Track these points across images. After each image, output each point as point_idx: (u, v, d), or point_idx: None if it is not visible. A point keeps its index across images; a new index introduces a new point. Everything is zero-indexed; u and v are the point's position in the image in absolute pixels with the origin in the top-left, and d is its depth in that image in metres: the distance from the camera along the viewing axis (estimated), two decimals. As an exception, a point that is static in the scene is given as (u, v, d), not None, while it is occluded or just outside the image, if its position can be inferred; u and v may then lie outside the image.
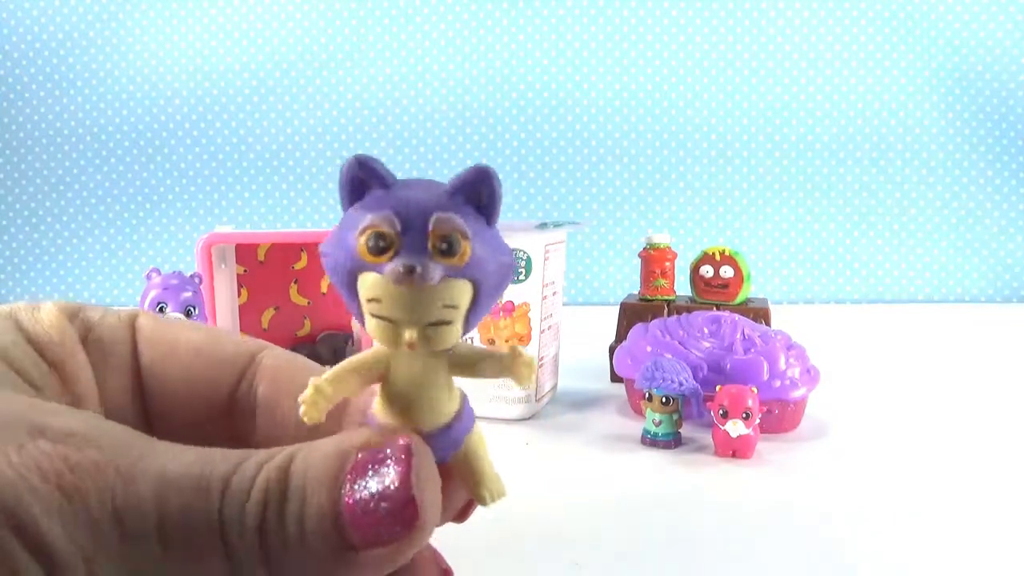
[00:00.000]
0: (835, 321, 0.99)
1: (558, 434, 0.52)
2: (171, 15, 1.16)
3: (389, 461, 0.16)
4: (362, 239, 0.15)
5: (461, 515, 0.19)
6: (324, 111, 1.17)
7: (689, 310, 0.61)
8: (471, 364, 0.17)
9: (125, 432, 0.16)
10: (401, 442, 0.16)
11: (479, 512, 0.20)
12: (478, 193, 0.16)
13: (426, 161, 1.17)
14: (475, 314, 0.17)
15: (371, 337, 0.17)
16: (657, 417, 0.49)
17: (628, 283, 1.14)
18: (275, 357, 0.21)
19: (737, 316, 0.56)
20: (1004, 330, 0.93)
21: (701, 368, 0.52)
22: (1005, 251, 1.13)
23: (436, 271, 0.15)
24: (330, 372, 0.17)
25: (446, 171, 1.16)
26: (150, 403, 0.20)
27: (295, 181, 1.18)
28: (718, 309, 0.61)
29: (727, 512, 0.40)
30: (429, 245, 0.15)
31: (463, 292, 0.16)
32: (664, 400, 0.48)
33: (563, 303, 0.60)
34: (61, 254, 1.20)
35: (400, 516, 0.15)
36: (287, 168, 1.18)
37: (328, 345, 0.69)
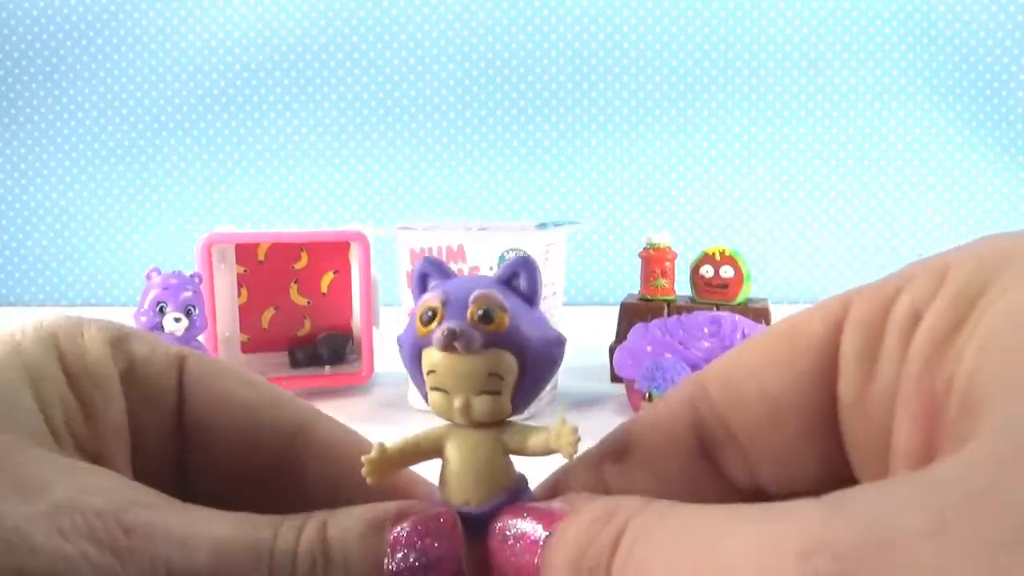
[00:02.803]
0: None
1: (558, 434, 0.52)
2: (171, 15, 1.16)
3: (437, 532, 0.16)
4: (418, 315, 0.18)
5: None
6: (324, 111, 1.17)
7: (689, 310, 0.61)
8: (523, 440, 0.18)
9: (158, 496, 0.16)
10: (447, 514, 0.16)
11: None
12: (519, 278, 0.18)
13: (426, 161, 1.17)
14: (524, 390, 0.18)
15: (433, 411, 0.18)
16: (657, 417, 0.48)
17: (628, 283, 1.14)
18: (328, 430, 0.20)
19: (737, 316, 0.56)
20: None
21: (701, 368, 0.52)
22: (1005, 251, 1.13)
23: (475, 335, 0.16)
24: (396, 441, 0.18)
25: (446, 171, 1.16)
26: (191, 453, 0.20)
27: (295, 181, 1.18)
28: (718, 309, 0.61)
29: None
30: (468, 314, 0.17)
31: (507, 362, 0.17)
32: (664, 400, 0.48)
33: (563, 303, 0.60)
34: (61, 254, 1.20)
35: None
36: (287, 167, 1.18)
37: (328, 345, 0.69)
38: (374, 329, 0.66)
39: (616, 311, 0.67)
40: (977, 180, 1.13)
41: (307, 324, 0.72)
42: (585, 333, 0.80)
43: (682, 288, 0.68)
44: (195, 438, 0.19)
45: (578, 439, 0.17)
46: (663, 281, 0.66)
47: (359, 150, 1.17)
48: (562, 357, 0.18)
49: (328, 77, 1.16)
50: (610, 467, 0.19)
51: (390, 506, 0.17)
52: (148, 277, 0.57)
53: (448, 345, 0.17)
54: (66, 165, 1.19)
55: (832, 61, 1.12)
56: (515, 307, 0.17)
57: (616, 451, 0.19)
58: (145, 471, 0.18)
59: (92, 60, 1.17)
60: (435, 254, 0.55)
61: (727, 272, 0.64)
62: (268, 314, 0.71)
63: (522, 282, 0.18)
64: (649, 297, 0.67)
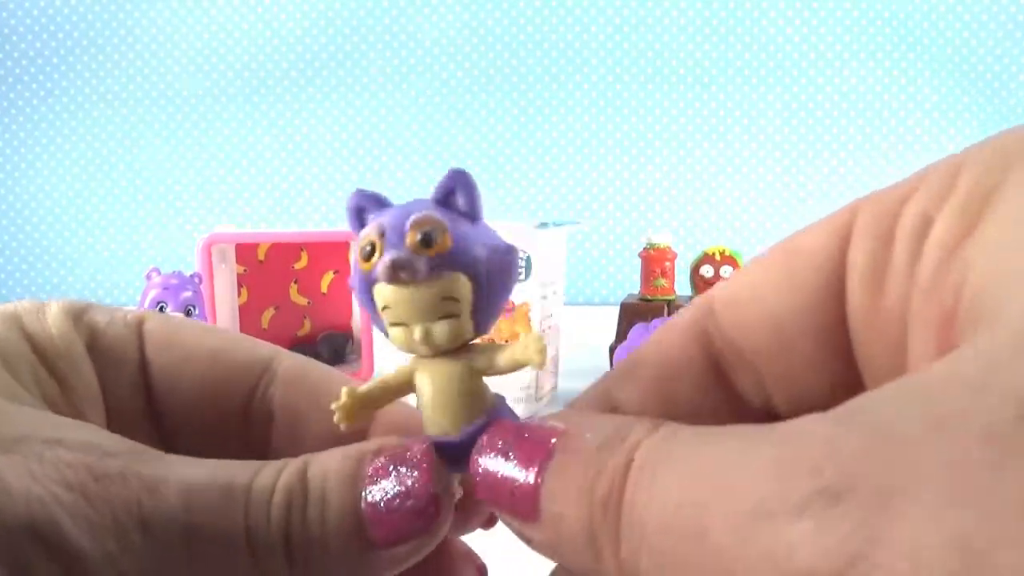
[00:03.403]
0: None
1: (558, 434, 0.52)
2: (171, 15, 1.16)
3: (410, 462, 0.16)
4: (358, 251, 0.17)
5: (489, 522, 0.20)
6: (324, 110, 1.17)
7: (689, 310, 0.61)
8: (491, 360, 0.17)
9: (136, 445, 0.16)
10: (420, 445, 0.17)
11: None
12: (457, 194, 0.17)
13: (426, 161, 1.17)
14: (482, 309, 0.17)
15: (395, 346, 0.17)
16: (657, 417, 0.48)
17: (628, 283, 1.14)
18: (291, 363, 0.20)
19: (737, 316, 0.56)
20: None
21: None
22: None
23: (419, 262, 0.16)
24: (366, 383, 0.18)
25: (446, 170, 1.16)
26: (162, 411, 0.20)
27: (295, 180, 1.18)
28: (718, 309, 0.61)
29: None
30: (407, 241, 0.16)
31: (458, 283, 0.16)
32: (664, 400, 0.48)
33: (563, 303, 0.60)
34: (61, 253, 1.20)
35: (423, 513, 0.16)
36: (287, 167, 1.18)
37: (328, 345, 0.69)
38: (374, 329, 0.67)
39: (616, 311, 0.67)
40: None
41: (307, 324, 0.72)
42: (585, 333, 0.80)
43: (682, 288, 0.68)
44: (164, 395, 0.20)
45: (545, 346, 0.16)
46: (663, 281, 0.66)
47: (359, 150, 1.17)
48: (516, 266, 0.17)
49: (328, 77, 1.16)
50: (619, 389, 0.18)
51: (371, 443, 0.17)
52: (148, 277, 0.57)
53: (394, 277, 0.16)
54: (66, 164, 1.19)
55: (832, 61, 1.12)
56: (456, 224, 0.17)
57: (625, 373, 0.18)
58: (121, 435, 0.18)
59: (92, 60, 1.17)
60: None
61: (727, 272, 0.64)
62: (268, 314, 0.71)
63: (460, 199, 0.17)
64: (649, 297, 0.67)
